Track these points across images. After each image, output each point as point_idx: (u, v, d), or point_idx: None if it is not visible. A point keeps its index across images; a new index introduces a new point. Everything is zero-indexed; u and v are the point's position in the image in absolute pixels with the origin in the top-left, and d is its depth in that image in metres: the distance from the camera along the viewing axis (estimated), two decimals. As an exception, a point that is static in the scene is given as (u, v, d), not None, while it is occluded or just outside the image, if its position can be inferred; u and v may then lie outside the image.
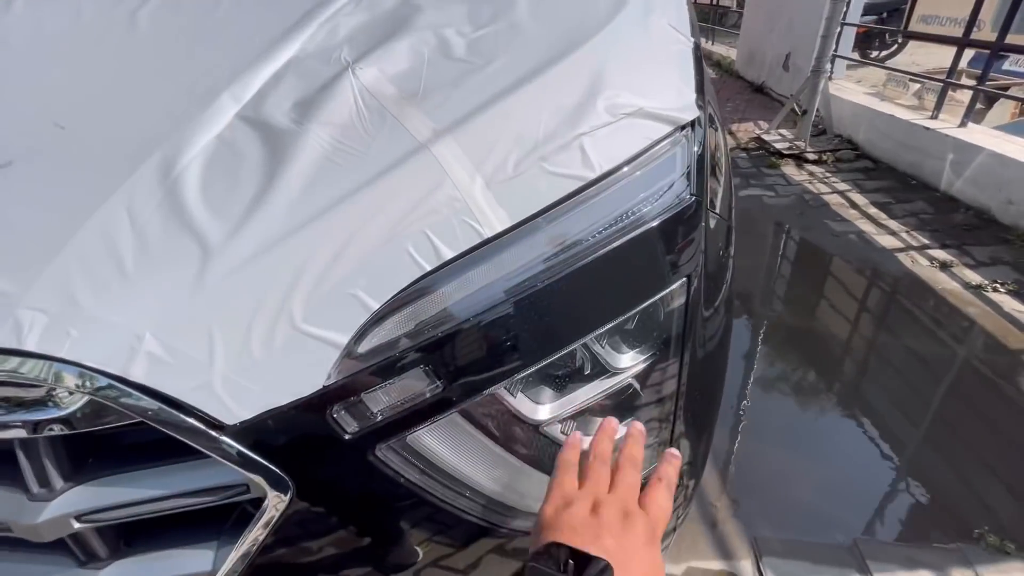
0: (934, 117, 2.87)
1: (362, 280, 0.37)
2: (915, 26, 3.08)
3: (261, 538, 0.38)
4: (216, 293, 0.35)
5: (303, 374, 0.36)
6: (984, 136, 2.57)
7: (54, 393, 0.33)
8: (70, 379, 0.33)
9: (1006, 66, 3.89)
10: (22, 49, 0.61)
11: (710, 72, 5.83)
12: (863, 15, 6.44)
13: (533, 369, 0.43)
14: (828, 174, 3.11)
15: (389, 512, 0.44)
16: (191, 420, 0.34)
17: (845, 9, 3.25)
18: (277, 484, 0.36)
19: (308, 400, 0.36)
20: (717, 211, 0.62)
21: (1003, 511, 1.22)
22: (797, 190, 2.94)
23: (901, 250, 2.27)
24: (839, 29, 3.27)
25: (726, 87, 5.14)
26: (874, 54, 7.31)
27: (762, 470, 1.34)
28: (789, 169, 3.22)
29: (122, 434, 0.37)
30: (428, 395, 0.39)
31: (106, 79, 0.53)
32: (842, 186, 2.93)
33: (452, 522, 0.47)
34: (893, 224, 2.48)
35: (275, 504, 0.37)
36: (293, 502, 0.37)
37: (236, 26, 0.60)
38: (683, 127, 0.50)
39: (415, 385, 0.39)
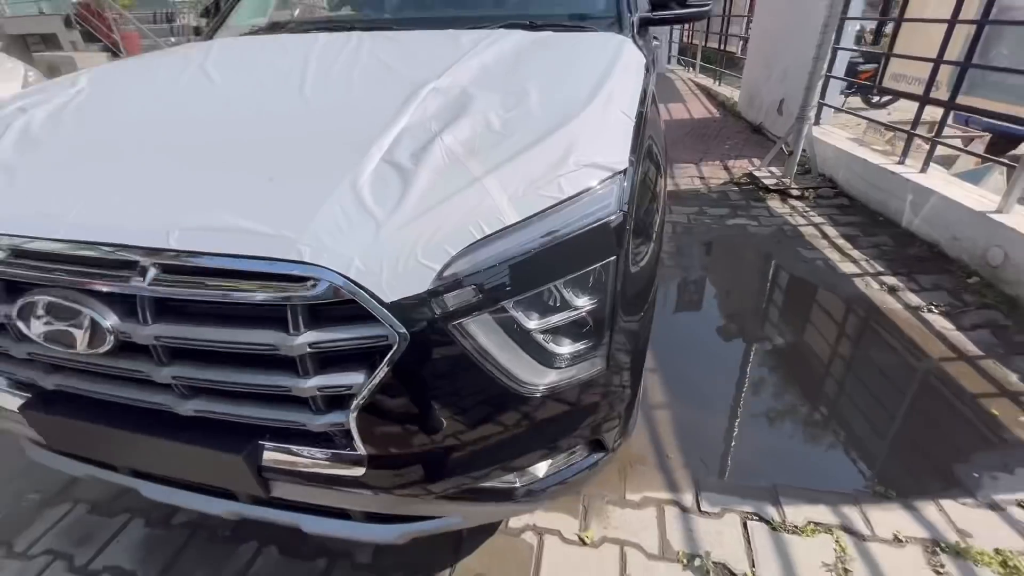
0: (901, 162, 3.26)
1: (448, 243, 0.77)
2: (888, 83, 3.49)
3: (393, 359, 0.77)
4: (384, 241, 0.75)
5: (419, 282, 0.76)
6: (939, 181, 2.95)
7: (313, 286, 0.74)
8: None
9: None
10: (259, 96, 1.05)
11: (714, 112, 6.29)
12: (866, 63, 6.88)
13: (525, 295, 0.83)
14: (808, 208, 3.50)
15: (452, 366, 0.83)
16: (372, 299, 0.74)
17: (827, 64, 3.68)
18: (401, 334, 0.76)
19: (419, 294, 0.76)
20: (648, 229, 1.02)
21: (893, 468, 1.56)
22: (778, 221, 3.33)
23: (859, 275, 2.63)
24: (821, 81, 3.70)
25: (728, 127, 5.57)
26: (875, 99, 7.73)
27: (709, 431, 1.71)
28: (774, 203, 3.61)
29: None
30: (472, 300, 0.79)
31: (301, 128, 0.96)
32: (818, 219, 3.31)
33: (482, 383, 0.86)
34: (856, 254, 2.85)
35: (398, 345, 0.76)
36: (408, 347, 0.77)
37: (367, 99, 1.04)
38: (618, 171, 0.91)
39: (466, 294, 0.78)
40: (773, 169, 4.06)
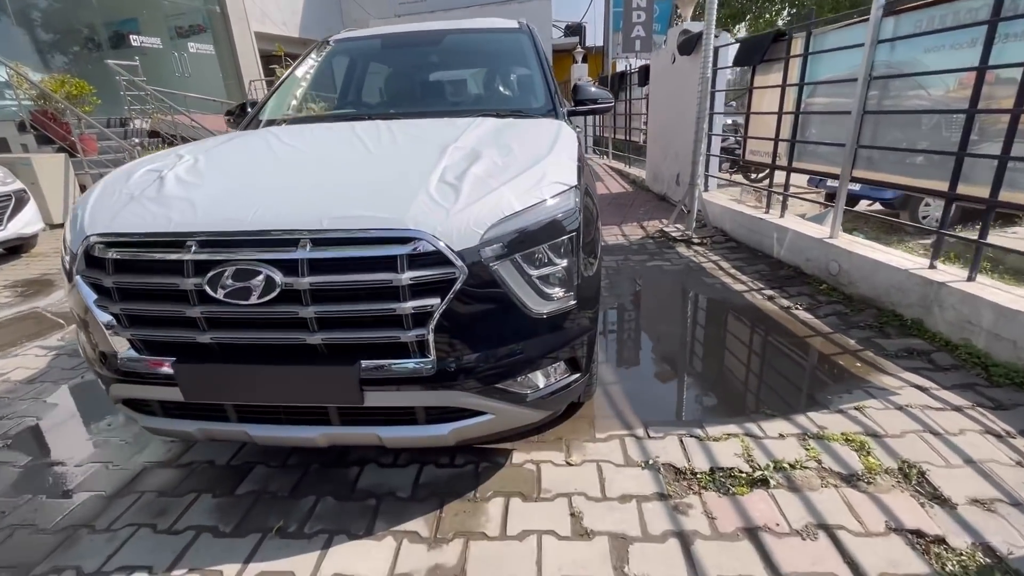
0: (767, 212, 4.29)
1: (487, 219, 1.36)
2: (748, 157, 4.65)
3: (457, 288, 1.31)
4: (452, 219, 1.32)
5: (472, 239, 1.32)
6: (793, 222, 3.96)
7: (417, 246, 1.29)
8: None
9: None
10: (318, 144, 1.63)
11: (628, 188, 7.52)
12: (739, 146, 8.47)
13: (527, 251, 1.42)
14: (707, 251, 4.42)
15: (490, 294, 1.37)
16: (448, 249, 1.30)
17: (705, 145, 4.83)
18: (462, 269, 1.31)
19: (473, 247, 1.32)
20: (590, 217, 1.68)
21: (777, 400, 2.20)
22: (686, 261, 4.19)
23: (747, 291, 3.45)
24: (703, 157, 4.82)
25: (639, 198, 6.72)
26: (753, 176, 9.45)
27: (653, 392, 2.29)
28: (681, 249, 4.52)
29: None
30: (500, 252, 1.36)
31: (380, 166, 1.56)
32: (715, 258, 4.21)
33: (507, 307, 1.41)
34: (744, 278, 3.71)
35: (461, 278, 1.30)
36: (466, 279, 1.31)
37: (415, 152, 1.66)
38: (572, 186, 1.57)
39: (497, 248, 1.35)
40: (679, 225, 5.05)
